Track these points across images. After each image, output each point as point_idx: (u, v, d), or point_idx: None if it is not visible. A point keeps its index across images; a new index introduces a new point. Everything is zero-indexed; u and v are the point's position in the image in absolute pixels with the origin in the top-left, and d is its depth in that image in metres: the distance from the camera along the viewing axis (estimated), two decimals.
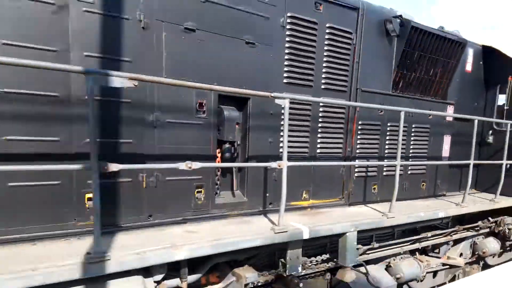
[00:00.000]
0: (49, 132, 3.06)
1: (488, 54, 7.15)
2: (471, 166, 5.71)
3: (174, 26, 3.56)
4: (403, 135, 5.65)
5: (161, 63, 3.52)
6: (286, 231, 3.80)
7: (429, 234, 5.92)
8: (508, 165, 6.45)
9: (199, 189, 3.92)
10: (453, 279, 6.97)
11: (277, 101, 3.54)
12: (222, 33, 3.87)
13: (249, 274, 3.82)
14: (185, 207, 3.84)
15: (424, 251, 6.46)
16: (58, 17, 3.02)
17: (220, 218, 4.07)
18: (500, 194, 6.52)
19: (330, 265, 4.68)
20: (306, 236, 3.92)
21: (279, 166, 3.63)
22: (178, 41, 3.59)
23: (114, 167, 2.72)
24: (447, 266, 6.63)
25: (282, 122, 4.16)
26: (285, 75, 4.38)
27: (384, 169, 5.53)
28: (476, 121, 5.66)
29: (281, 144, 4.41)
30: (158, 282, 3.29)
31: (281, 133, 4.38)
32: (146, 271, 3.14)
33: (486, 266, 7.45)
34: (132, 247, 3.06)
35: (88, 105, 2.60)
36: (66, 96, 3.09)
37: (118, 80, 2.66)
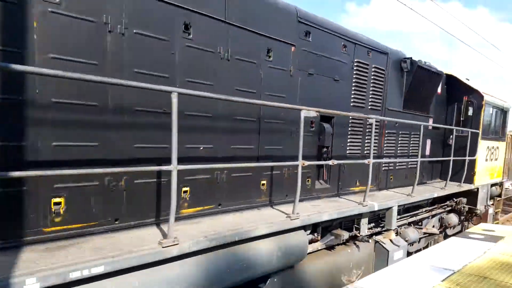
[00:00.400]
0: (244, 142, 4.84)
1: (449, 80, 9.84)
2: (451, 162, 8.26)
3: (304, 73, 5.49)
4: (406, 139, 8.04)
5: (297, 96, 5.41)
6: (367, 205, 5.90)
7: (423, 210, 8.39)
8: (468, 160, 9.16)
9: (308, 178, 5.86)
10: (426, 246, 9.52)
11: (370, 120, 5.62)
12: (324, 75, 5.85)
13: (344, 233, 5.86)
14: (302, 190, 5.75)
15: (412, 223, 8.92)
16: (257, 72, 4.83)
17: (317, 198, 6.03)
18: (456, 181, 9.21)
19: (376, 230, 6.86)
20: (376, 208, 6.06)
21: (368, 162, 5.72)
22: (305, 81, 5.52)
23: (307, 163, 4.61)
24: (427, 235, 9.16)
25: (347, 131, 6.32)
26: (352, 100, 6.47)
27: (397, 164, 7.85)
28: (454, 130, 8.22)
29: (347, 147, 6.50)
30: None
31: (348, 138, 6.48)
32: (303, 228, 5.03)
33: (446, 236, 10.17)
34: (283, 214, 4.93)
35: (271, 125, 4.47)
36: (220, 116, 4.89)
37: (312, 113, 4.57)
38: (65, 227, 3.32)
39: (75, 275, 2.76)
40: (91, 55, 3.34)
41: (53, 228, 3.25)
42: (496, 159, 11.20)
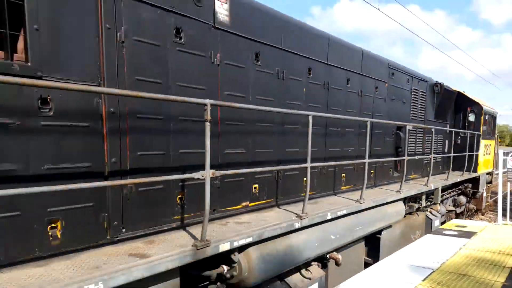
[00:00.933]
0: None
1: (457, 95, 13.01)
2: (467, 156, 11.40)
3: (389, 99, 8.38)
4: (435, 140, 11.09)
5: (387, 115, 8.29)
6: (429, 186, 8.87)
7: (449, 191, 11.47)
8: (474, 155, 12.33)
9: (390, 169, 8.76)
10: (444, 222, 12.61)
11: (432, 129, 8.60)
12: (398, 99, 8.77)
13: (415, 205, 8.77)
14: (387, 178, 8.64)
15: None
16: (371, 101, 7.68)
17: (394, 183, 8.92)
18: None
19: (425, 204, 9.84)
20: (433, 188, 9.03)
21: (430, 158, 8.68)
22: (390, 104, 8.41)
23: (409, 158, 7.50)
24: (448, 211, 12.24)
25: (409, 136, 9.28)
26: (410, 115, 9.42)
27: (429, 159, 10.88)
28: (468, 133, 11.36)
29: (409, 147, 9.45)
30: None
31: (409, 141, 9.43)
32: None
33: (457, 215, 13.30)
34: (392, 191, 7.78)
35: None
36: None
37: (410, 126, 7.47)
38: (258, 202, 5.34)
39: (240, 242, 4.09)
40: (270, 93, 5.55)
41: (254, 203, 5.27)
42: (489, 154, 14.52)
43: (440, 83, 10.69)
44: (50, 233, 3.19)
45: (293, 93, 5.71)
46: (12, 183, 2.89)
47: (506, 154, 11.77)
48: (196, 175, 3.49)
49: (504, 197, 11.43)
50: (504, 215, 9.74)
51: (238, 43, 4.76)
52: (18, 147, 2.94)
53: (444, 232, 7.97)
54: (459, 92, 12.85)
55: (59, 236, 3.23)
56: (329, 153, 6.58)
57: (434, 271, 5.38)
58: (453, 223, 9.13)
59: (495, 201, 15.36)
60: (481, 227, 8.51)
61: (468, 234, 7.74)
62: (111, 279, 2.91)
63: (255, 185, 5.27)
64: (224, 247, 3.89)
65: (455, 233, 7.86)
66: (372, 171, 8.00)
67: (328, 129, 6.50)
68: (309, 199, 6.19)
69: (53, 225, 3.21)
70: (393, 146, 8.77)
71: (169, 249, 3.57)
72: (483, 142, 13.29)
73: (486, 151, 13.93)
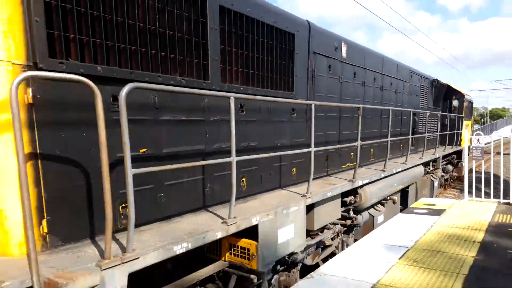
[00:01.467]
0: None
1: (446, 86, 16.76)
2: (455, 134, 15.18)
3: (410, 94, 11.89)
4: (430, 121, 14.81)
5: (409, 106, 11.81)
6: (437, 155, 12.52)
7: (443, 161, 15.24)
8: (459, 132, 16.16)
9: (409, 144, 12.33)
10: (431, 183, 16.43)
11: (438, 115, 12.20)
12: (413, 94, 12.28)
13: (426, 168, 12.40)
14: (407, 150, 12.20)
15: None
16: (400, 97, 11.17)
17: (412, 153, 12.47)
18: (451, 145, 16.18)
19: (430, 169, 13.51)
20: (437, 156, 12.69)
21: (437, 135, 12.31)
22: (409, 98, 11.93)
23: (430, 134, 11.07)
24: (441, 176, 16.04)
25: (419, 119, 12.88)
26: (420, 104, 12.98)
27: (436, 136, 14.56)
28: (457, 117, 15.12)
29: (420, 128, 13.06)
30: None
31: (420, 125, 13.03)
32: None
33: (445, 180, 17.18)
34: (416, 158, 11.34)
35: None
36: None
37: (428, 113, 11.02)
38: (352, 164, 9.44)
39: (364, 182, 8.72)
40: (359, 96, 9.41)
41: (351, 164, 9.41)
42: (468, 131, 18.46)
43: (437, 79, 14.35)
44: (241, 184, 5.27)
45: (368, 94, 9.07)
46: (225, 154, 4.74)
47: (471, 133, 15.36)
48: (355, 144, 6.84)
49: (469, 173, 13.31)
50: (469, 192, 10.12)
51: (348, 68, 8.06)
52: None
53: (415, 211, 8.33)
54: (448, 85, 16.61)
55: (244, 185, 5.31)
56: (382, 132, 9.99)
57: (409, 249, 5.55)
58: (422, 201, 9.57)
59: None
60: (449, 205, 8.86)
61: (437, 212, 8.06)
62: (331, 192, 6.22)
63: (351, 153, 8.65)
64: (359, 183, 7.26)
65: (425, 211, 8.17)
66: (401, 145, 11.52)
67: (382, 117, 9.92)
68: (374, 163, 9.68)
69: (242, 179, 5.29)
70: (412, 127, 12.30)
71: (340, 182, 6.89)
72: (464, 123, 17.16)
73: (465, 129, 17.83)
